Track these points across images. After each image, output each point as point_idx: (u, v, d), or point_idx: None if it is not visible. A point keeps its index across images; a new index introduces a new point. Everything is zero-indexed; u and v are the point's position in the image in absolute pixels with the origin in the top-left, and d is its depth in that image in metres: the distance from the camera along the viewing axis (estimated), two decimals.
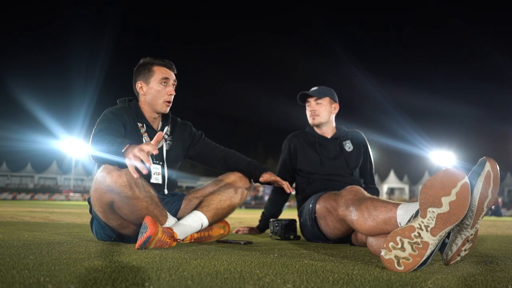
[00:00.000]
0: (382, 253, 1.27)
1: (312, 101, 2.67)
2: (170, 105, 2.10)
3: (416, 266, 1.24)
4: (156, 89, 2.04)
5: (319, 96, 2.65)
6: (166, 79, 2.06)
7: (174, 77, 2.11)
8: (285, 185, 2.08)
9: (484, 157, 1.31)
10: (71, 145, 42.28)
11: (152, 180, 2.01)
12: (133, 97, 2.14)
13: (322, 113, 2.65)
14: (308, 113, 2.70)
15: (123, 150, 1.61)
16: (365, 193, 1.80)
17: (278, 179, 2.09)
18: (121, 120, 1.94)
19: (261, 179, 2.13)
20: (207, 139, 2.31)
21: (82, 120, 49.82)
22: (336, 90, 2.75)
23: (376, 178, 2.83)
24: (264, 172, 2.15)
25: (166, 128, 2.15)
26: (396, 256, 1.25)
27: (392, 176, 47.00)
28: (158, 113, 2.10)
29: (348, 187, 1.89)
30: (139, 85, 2.08)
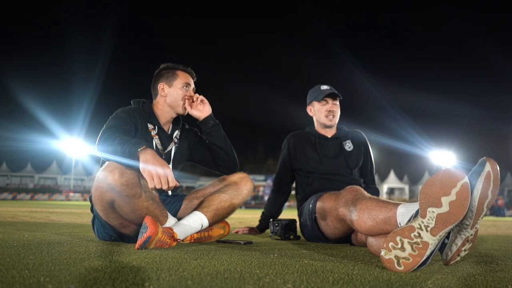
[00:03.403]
0: (382, 253, 1.27)
1: (330, 101, 2.62)
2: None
3: (416, 266, 1.24)
4: (178, 92, 2.10)
5: (337, 96, 2.62)
6: (188, 84, 2.14)
7: (193, 85, 2.18)
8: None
9: (484, 157, 1.31)
10: (71, 145, 42.28)
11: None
12: (147, 99, 2.17)
13: (337, 114, 2.63)
14: (324, 112, 2.61)
15: (139, 149, 1.65)
16: (365, 193, 1.80)
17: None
18: (133, 120, 1.96)
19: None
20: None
21: (82, 120, 49.89)
22: (337, 90, 2.73)
23: (376, 178, 2.82)
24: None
25: (176, 132, 2.18)
26: (396, 256, 1.25)
27: (392, 176, 46.99)
28: (177, 114, 2.14)
29: (348, 187, 1.89)
30: (161, 87, 2.12)
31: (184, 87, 2.12)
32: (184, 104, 2.12)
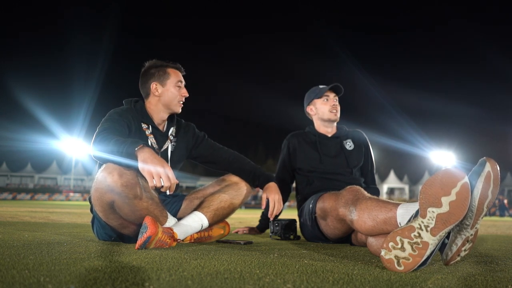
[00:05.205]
0: (382, 253, 1.27)
1: (332, 96, 2.65)
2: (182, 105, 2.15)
3: (416, 266, 1.24)
4: (172, 91, 2.09)
5: (340, 92, 2.66)
6: (180, 82, 2.12)
7: (184, 80, 2.17)
8: (270, 212, 2.16)
9: (484, 157, 1.31)
10: (71, 145, 42.28)
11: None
12: (139, 98, 2.15)
13: (339, 110, 2.66)
14: (327, 107, 2.63)
15: (136, 149, 1.64)
16: (365, 193, 1.80)
17: (271, 203, 2.14)
18: (125, 121, 1.95)
19: (263, 193, 2.19)
20: (210, 140, 2.30)
21: (82, 120, 49.95)
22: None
23: (376, 178, 2.82)
24: (268, 182, 2.21)
25: (172, 129, 2.15)
26: (396, 256, 1.25)
27: (392, 176, 47.00)
28: (172, 113, 2.13)
29: (348, 187, 1.89)
30: (154, 86, 2.09)
31: (177, 85, 2.11)
32: (178, 102, 2.10)
